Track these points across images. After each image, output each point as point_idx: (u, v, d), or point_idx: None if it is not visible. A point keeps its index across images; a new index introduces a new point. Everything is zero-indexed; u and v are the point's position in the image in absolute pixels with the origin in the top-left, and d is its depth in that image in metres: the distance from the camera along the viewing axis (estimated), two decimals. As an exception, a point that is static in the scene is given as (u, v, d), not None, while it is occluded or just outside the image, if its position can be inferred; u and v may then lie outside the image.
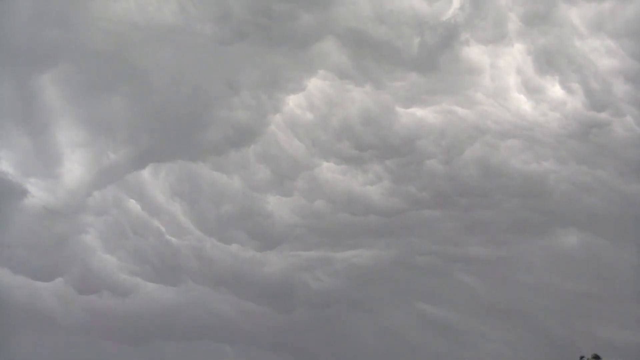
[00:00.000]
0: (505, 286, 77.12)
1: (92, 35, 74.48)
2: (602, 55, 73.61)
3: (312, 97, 78.33)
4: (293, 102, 78.43)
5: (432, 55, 75.44)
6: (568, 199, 75.70)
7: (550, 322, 73.54)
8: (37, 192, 72.26)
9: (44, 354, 66.99)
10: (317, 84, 78.66)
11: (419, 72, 76.71)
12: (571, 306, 73.83)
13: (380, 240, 78.81)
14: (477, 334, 74.85)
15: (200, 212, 78.24)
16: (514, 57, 76.66)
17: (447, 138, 77.17)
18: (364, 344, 74.22)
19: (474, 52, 77.16)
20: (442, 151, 76.64)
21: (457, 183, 76.51)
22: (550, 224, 76.94)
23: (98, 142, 75.31)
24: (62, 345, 69.75)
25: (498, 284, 77.90)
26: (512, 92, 77.45)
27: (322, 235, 79.00)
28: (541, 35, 75.34)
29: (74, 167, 74.17)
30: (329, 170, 79.07)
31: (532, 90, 76.80)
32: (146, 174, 78.09)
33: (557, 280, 75.32)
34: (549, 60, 75.32)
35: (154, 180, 78.23)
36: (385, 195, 76.97)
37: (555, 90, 75.82)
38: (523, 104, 77.70)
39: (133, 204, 77.33)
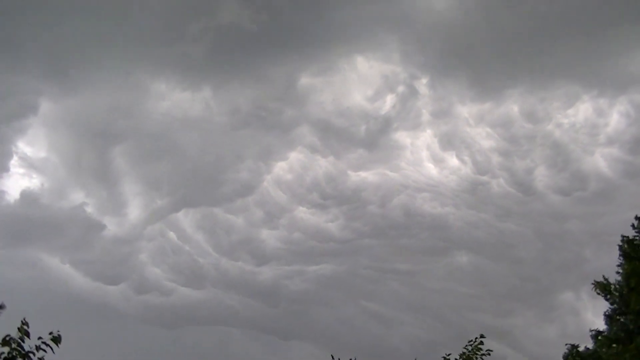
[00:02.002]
0: (420, 290, 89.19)
1: (147, 122, 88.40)
2: (483, 138, 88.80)
3: (292, 164, 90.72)
4: (279, 167, 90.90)
5: (374, 137, 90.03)
6: (461, 232, 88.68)
7: (449, 313, 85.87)
8: (111, 226, 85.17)
9: (112, 337, 75.16)
10: (296, 156, 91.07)
11: (365, 148, 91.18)
12: (463, 303, 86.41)
13: (337, 259, 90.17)
14: (400, 321, 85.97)
15: (217, 240, 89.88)
16: (426, 138, 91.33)
17: (381, 191, 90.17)
18: (327, 328, 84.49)
19: (401, 136, 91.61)
20: (378, 199, 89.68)
21: (388, 221, 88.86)
22: (449, 248, 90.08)
23: (150, 193, 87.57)
24: (124, 330, 79.90)
25: (415, 288, 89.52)
26: (425, 162, 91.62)
27: (298, 256, 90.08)
28: (443, 124, 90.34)
29: (135, 209, 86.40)
30: (303, 213, 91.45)
31: (437, 161, 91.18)
32: (181, 215, 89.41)
33: (454, 286, 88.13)
34: (448, 141, 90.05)
35: (185, 219, 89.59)
36: (340, 229, 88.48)
37: (453, 161, 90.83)
38: (432, 170, 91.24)
39: (172, 235, 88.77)
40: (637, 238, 31.30)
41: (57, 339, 10.95)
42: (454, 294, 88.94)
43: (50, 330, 11.10)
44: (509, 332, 77.76)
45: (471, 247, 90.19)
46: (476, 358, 20.55)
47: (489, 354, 20.72)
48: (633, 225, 31.67)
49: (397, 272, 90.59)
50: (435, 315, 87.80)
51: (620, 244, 31.66)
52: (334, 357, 20.01)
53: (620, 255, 31.55)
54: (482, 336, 20.96)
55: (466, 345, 20.68)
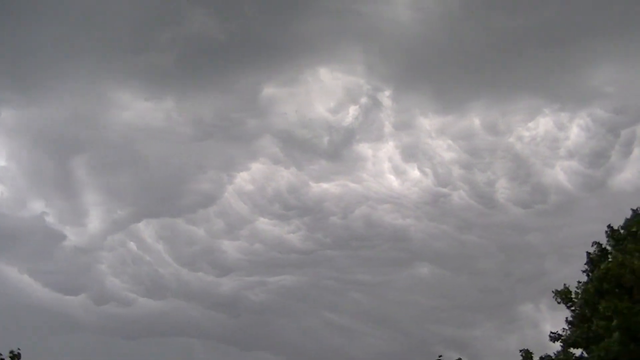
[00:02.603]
0: (381, 301, 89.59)
1: (109, 132, 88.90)
2: (445, 150, 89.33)
3: (254, 175, 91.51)
4: (241, 178, 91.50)
5: (336, 149, 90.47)
6: (422, 243, 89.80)
7: (410, 325, 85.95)
8: (71, 236, 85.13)
9: (71, 348, 74.47)
10: (258, 167, 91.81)
11: (327, 160, 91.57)
12: (424, 314, 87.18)
13: (299, 270, 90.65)
14: (362, 332, 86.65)
15: (178, 251, 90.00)
16: (388, 150, 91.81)
17: (343, 202, 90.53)
18: (288, 339, 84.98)
19: (363, 147, 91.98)
20: (340, 211, 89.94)
21: (350, 232, 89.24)
22: (410, 259, 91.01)
23: (111, 203, 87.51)
24: (84, 341, 79.81)
25: (377, 299, 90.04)
26: (386, 173, 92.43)
27: (259, 267, 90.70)
28: (405, 136, 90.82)
29: (95, 219, 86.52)
30: (264, 224, 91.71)
31: (399, 173, 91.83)
32: (142, 225, 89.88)
33: (415, 297, 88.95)
34: (410, 153, 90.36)
35: (146, 229, 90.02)
36: (302, 240, 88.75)
37: (414, 173, 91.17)
38: (393, 181, 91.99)
39: (133, 245, 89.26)
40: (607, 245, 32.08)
41: (16, 357, 11.06)
42: (415, 306, 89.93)
43: (8, 344, 11.12)
44: (470, 343, 79.09)
45: (432, 258, 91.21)
46: None
47: None
48: (594, 242, 32.24)
49: (359, 283, 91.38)
50: (397, 326, 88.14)
51: (589, 251, 32.34)
52: None
53: (587, 262, 32.18)
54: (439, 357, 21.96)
55: None
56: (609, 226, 32.51)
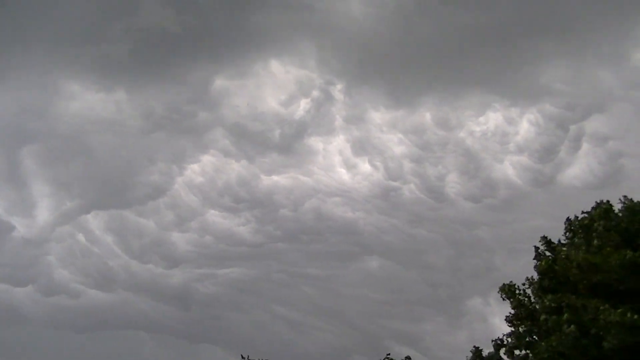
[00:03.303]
0: (332, 294, 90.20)
1: (58, 123, 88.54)
2: (395, 144, 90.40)
3: (205, 167, 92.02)
4: (192, 170, 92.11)
5: (287, 142, 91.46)
6: (372, 237, 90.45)
7: (360, 319, 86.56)
8: (19, 227, 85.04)
9: (19, 341, 75.20)
10: (209, 159, 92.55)
11: (278, 153, 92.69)
12: (374, 308, 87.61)
13: (248, 263, 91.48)
14: (312, 326, 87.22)
15: (127, 243, 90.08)
16: (338, 144, 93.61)
17: (294, 195, 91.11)
18: (237, 332, 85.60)
19: (314, 141, 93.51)
20: (290, 203, 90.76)
21: (300, 225, 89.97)
22: (360, 253, 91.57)
23: (59, 195, 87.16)
24: (32, 334, 79.43)
25: (327, 293, 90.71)
26: (337, 167, 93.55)
27: (209, 259, 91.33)
28: (356, 130, 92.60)
29: (44, 211, 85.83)
30: (214, 216, 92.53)
31: (350, 166, 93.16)
32: (90, 217, 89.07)
33: (365, 291, 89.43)
34: (361, 147, 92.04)
35: (95, 221, 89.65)
36: (252, 233, 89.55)
37: (365, 166, 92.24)
38: (344, 175, 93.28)
39: (81, 237, 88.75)
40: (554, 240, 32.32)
41: None
42: (365, 300, 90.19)
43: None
44: (420, 338, 79.45)
45: (382, 252, 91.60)
46: None
47: None
48: (542, 237, 32.39)
49: (309, 277, 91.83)
50: (347, 320, 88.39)
51: (537, 245, 32.43)
52: (244, 357, 20.81)
53: (535, 256, 32.06)
54: (408, 358, 22.28)
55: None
56: (567, 219, 32.54)
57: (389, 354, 22.80)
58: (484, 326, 73.47)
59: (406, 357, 22.14)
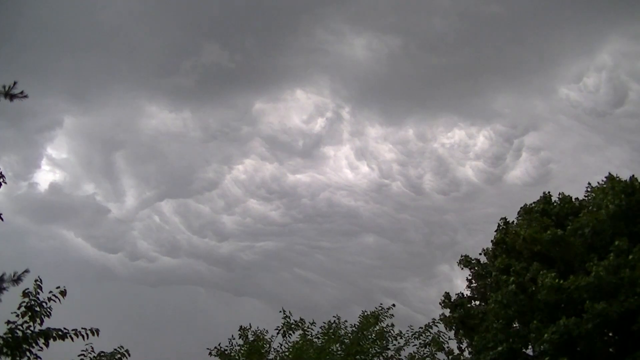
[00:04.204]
0: (339, 261, 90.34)
1: (141, 135, 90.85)
2: (387, 152, 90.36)
3: (247, 168, 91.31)
4: (237, 170, 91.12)
5: (308, 150, 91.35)
6: (369, 220, 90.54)
7: (358, 279, 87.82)
8: (114, 210, 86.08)
9: (111, 292, 76.16)
10: (249, 162, 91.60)
11: (301, 158, 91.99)
12: (368, 271, 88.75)
13: (278, 237, 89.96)
14: (322, 284, 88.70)
15: (189, 222, 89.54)
16: (345, 151, 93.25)
17: (312, 188, 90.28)
18: (268, 288, 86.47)
19: (327, 149, 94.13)
20: (309, 194, 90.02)
21: (316, 210, 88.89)
22: (360, 231, 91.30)
23: (142, 187, 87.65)
24: (120, 287, 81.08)
25: (334, 260, 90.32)
26: (344, 168, 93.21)
27: (249, 235, 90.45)
28: (358, 141, 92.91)
29: (130, 198, 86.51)
30: (253, 204, 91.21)
31: (353, 168, 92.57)
32: (163, 203, 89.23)
33: (362, 259, 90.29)
34: (361, 154, 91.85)
35: (166, 206, 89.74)
36: (281, 216, 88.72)
37: (364, 169, 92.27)
38: (348, 174, 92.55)
39: (156, 218, 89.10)
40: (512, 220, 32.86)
41: (63, 293, 11.91)
42: (362, 265, 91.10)
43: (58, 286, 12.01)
44: (401, 293, 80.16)
45: (376, 231, 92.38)
46: (382, 317, 22.22)
47: (394, 307, 22.53)
48: (499, 225, 32.87)
49: (321, 248, 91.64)
50: (348, 280, 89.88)
51: (499, 222, 32.80)
52: (284, 311, 21.58)
53: (496, 230, 32.49)
54: (393, 305, 23.05)
55: (377, 308, 22.32)
56: (523, 206, 33.23)
57: (394, 305, 23.42)
58: (449, 285, 78.11)
59: (392, 304, 22.70)
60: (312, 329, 21.42)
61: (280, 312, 21.31)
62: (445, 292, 32.12)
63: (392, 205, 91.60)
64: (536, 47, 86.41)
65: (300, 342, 20.81)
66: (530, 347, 27.73)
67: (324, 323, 21.69)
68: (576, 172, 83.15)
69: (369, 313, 22.11)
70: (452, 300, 31.85)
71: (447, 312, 31.48)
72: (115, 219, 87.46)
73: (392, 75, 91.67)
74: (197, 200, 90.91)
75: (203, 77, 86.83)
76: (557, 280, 25.76)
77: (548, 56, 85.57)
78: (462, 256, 32.61)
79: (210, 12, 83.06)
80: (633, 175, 29.04)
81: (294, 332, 21.08)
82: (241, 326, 21.33)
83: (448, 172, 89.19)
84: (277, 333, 20.96)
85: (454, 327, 30.67)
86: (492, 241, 31.84)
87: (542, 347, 25.63)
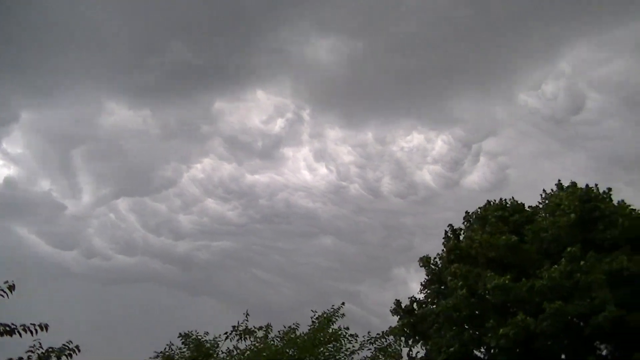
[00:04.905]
0: (295, 262, 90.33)
1: (99, 132, 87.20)
2: (345, 154, 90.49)
3: (205, 167, 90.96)
4: (195, 169, 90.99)
5: (268, 150, 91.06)
6: (327, 221, 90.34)
7: (314, 280, 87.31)
8: (70, 207, 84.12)
9: (65, 291, 73.66)
10: (208, 161, 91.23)
11: (260, 158, 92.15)
12: (325, 273, 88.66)
13: (234, 237, 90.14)
14: (279, 285, 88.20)
15: (145, 221, 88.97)
16: (304, 153, 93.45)
17: (269, 189, 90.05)
18: (225, 288, 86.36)
19: (286, 150, 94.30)
20: (267, 195, 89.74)
21: (273, 211, 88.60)
22: (317, 233, 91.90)
23: (98, 184, 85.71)
24: (74, 286, 78.68)
25: (291, 261, 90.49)
26: (302, 170, 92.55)
27: (205, 234, 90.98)
28: (317, 143, 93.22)
29: (87, 195, 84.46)
30: (210, 203, 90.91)
31: (312, 170, 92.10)
32: (120, 201, 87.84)
33: (319, 260, 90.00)
34: (320, 156, 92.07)
35: (123, 204, 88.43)
36: (238, 216, 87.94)
37: (323, 170, 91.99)
38: (307, 176, 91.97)
39: (112, 215, 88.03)
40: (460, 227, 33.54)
41: (11, 287, 11.55)
42: (319, 267, 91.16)
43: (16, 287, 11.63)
44: (358, 295, 79.76)
45: (334, 233, 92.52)
46: (334, 317, 21.72)
47: (343, 305, 22.62)
48: (449, 225, 33.64)
49: (278, 249, 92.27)
50: (305, 281, 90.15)
51: (446, 229, 33.43)
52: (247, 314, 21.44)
53: (444, 237, 33.14)
54: (343, 303, 23.16)
55: (329, 309, 21.76)
56: (466, 212, 33.87)
57: (344, 303, 23.35)
58: (405, 288, 73.54)
59: (342, 303, 22.74)
60: (266, 334, 21.15)
61: (243, 314, 21.04)
62: (396, 300, 32.53)
63: (350, 207, 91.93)
64: (499, 53, 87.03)
65: (254, 346, 20.57)
66: (482, 349, 28.19)
67: (284, 327, 21.47)
68: (533, 178, 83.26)
69: (320, 314, 21.89)
70: (402, 307, 32.21)
71: (396, 320, 31.94)
72: (71, 216, 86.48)
73: (354, 78, 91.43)
74: (154, 198, 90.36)
75: (167, 75, 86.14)
76: (503, 281, 26.12)
77: (510, 63, 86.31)
78: (423, 256, 32.83)
79: (178, 9, 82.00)
80: (587, 185, 29.94)
81: (244, 340, 20.79)
82: (180, 333, 20.94)
83: (406, 176, 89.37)
84: (226, 338, 20.33)
85: (404, 336, 30.90)
86: (443, 247, 32.45)
87: (499, 342, 26.08)
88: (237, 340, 20.47)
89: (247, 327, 20.58)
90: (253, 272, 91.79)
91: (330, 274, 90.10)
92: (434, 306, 31.02)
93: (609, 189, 29.63)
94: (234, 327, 20.41)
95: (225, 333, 20.48)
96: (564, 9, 79.43)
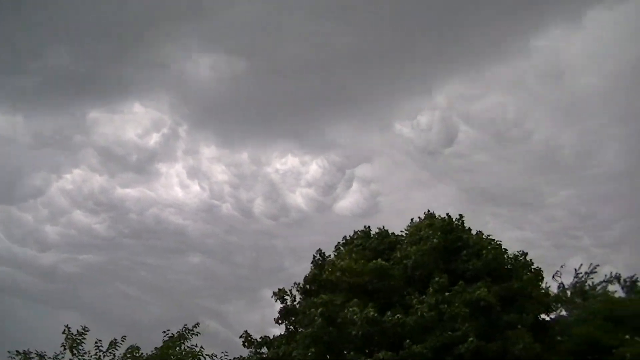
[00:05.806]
0: (164, 279, 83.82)
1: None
2: (219, 173, 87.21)
3: (75, 178, 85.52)
4: (65, 179, 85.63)
5: (142, 164, 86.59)
6: (197, 239, 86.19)
7: (182, 298, 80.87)
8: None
9: None
10: (79, 172, 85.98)
11: (134, 172, 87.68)
12: (193, 291, 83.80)
13: (102, 251, 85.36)
14: (146, 302, 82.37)
15: (10, 231, 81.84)
16: (177, 169, 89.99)
17: (140, 204, 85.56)
18: (90, 303, 76.79)
19: (160, 165, 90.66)
20: (137, 210, 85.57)
21: (143, 225, 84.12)
22: (187, 250, 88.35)
23: None
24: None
25: (161, 277, 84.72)
26: (175, 186, 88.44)
27: (72, 246, 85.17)
28: (192, 160, 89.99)
29: None
30: (79, 215, 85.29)
31: (184, 186, 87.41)
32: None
33: (188, 278, 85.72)
34: (194, 173, 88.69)
35: None
36: (106, 229, 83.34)
37: (195, 188, 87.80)
38: (179, 192, 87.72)
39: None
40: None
41: None
42: (187, 285, 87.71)
43: None
44: (225, 315, 77.27)
45: (203, 251, 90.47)
46: (188, 336, 21.92)
47: (198, 325, 21.97)
48: (314, 256, 32.76)
49: (147, 265, 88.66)
50: (173, 299, 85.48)
51: (315, 254, 32.77)
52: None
53: (312, 262, 32.42)
54: (197, 324, 21.93)
55: (185, 327, 22.12)
56: (343, 237, 33.34)
57: (198, 323, 22.88)
58: (272, 310, 71.42)
59: (196, 323, 22.42)
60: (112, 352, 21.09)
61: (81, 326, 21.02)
62: (245, 331, 30.98)
63: (221, 226, 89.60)
64: (379, 81, 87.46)
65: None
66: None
67: (130, 346, 21.33)
68: (404, 206, 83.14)
69: (173, 334, 21.97)
70: (253, 340, 30.69)
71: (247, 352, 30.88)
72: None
73: (234, 97, 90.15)
74: (19, 208, 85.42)
75: (45, 81, 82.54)
76: (372, 314, 25.66)
77: (388, 92, 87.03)
78: (278, 289, 31.57)
79: (64, 13, 78.11)
80: (448, 214, 30.24)
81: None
82: (17, 351, 20.75)
83: (279, 198, 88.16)
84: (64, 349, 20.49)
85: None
86: (305, 277, 31.55)
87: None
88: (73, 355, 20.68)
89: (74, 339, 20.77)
90: (120, 287, 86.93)
91: (198, 292, 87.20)
92: (287, 344, 29.46)
93: (461, 215, 30.02)
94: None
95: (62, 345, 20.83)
96: (441, 44, 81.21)
